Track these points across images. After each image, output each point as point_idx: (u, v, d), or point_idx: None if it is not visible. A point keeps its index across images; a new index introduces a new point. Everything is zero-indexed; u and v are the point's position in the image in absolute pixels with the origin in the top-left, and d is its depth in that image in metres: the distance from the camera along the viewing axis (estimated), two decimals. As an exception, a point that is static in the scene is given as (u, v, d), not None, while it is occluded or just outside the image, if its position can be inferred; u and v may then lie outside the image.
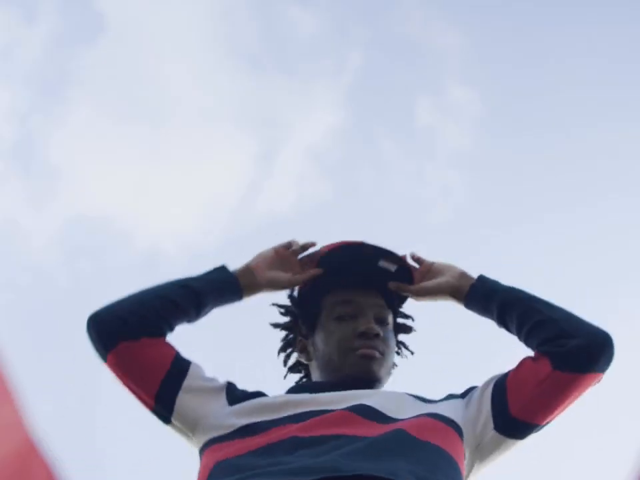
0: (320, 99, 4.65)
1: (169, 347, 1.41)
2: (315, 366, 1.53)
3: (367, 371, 1.46)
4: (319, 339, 1.53)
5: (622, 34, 4.08)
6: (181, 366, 1.39)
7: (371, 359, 1.46)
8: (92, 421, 3.66)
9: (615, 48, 4.16)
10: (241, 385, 1.45)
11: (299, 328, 1.60)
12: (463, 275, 1.52)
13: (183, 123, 4.54)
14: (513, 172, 4.40)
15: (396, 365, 1.60)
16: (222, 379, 1.44)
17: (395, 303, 1.61)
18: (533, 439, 1.39)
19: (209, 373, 1.44)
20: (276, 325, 1.63)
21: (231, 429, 1.31)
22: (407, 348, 1.66)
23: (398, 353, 1.63)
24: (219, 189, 4.65)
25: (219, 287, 1.47)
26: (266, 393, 1.44)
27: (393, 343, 1.54)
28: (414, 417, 1.32)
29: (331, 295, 1.55)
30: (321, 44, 4.56)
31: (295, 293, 1.61)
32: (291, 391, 1.49)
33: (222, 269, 1.50)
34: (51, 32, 4.50)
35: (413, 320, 1.67)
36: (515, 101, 4.40)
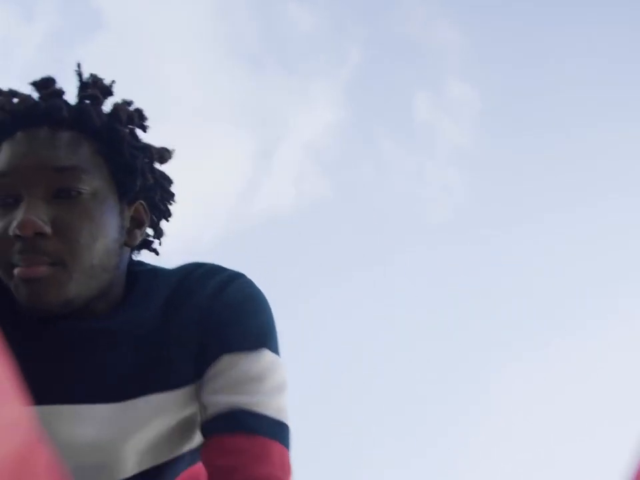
0: (319, 96, 4.64)
1: None
2: None
3: (33, 298, 0.90)
4: None
5: (622, 34, 4.08)
6: None
7: (31, 280, 0.90)
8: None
9: (614, 48, 4.15)
10: None
11: None
12: None
13: (181, 120, 4.53)
14: (513, 171, 4.39)
15: (147, 244, 1.08)
16: None
17: (111, 143, 0.98)
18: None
19: None
20: None
21: None
22: (162, 195, 1.06)
23: (155, 221, 1.07)
24: (217, 187, 4.64)
25: None
26: None
27: (94, 224, 0.93)
28: None
29: None
30: (319, 41, 4.55)
31: None
32: None
33: None
34: (49, 29, 4.49)
35: (150, 150, 1.04)
36: (515, 99, 4.39)
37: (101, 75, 1.04)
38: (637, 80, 4.07)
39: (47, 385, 0.94)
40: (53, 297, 0.91)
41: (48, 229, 0.90)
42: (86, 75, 1.03)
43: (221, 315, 1.01)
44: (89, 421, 0.95)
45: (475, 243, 4.15)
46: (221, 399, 0.96)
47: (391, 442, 3.46)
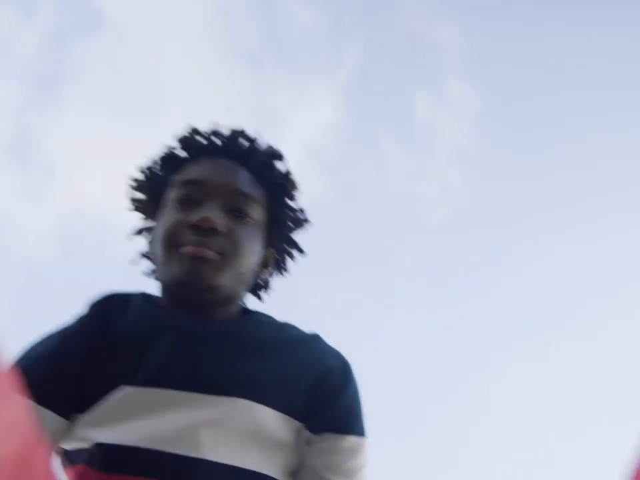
0: (318, 96, 4.63)
1: None
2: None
3: (191, 274, 1.08)
4: (155, 229, 1.20)
5: (622, 34, 4.07)
6: None
7: (197, 258, 1.09)
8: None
9: (614, 48, 4.15)
10: None
11: (147, 210, 1.27)
12: None
13: (180, 118, 4.52)
14: (513, 170, 4.39)
15: (266, 283, 1.27)
16: None
17: (274, 195, 1.24)
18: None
19: None
20: (132, 201, 1.29)
21: None
22: (283, 262, 1.28)
23: (279, 266, 1.29)
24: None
25: None
26: None
27: (251, 242, 1.16)
28: None
29: (183, 170, 1.21)
30: (319, 40, 4.55)
31: (152, 163, 1.27)
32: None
33: None
34: (48, 27, 4.48)
35: (300, 218, 1.29)
36: (515, 98, 4.39)
37: (276, 147, 1.29)
38: (638, 80, 4.07)
39: (172, 371, 1.07)
40: (208, 278, 1.09)
41: (222, 228, 1.12)
42: (265, 141, 1.29)
43: (342, 393, 1.12)
44: (195, 409, 1.05)
45: (474, 243, 4.15)
46: (321, 472, 1.09)
47: (391, 442, 3.45)
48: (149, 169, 1.27)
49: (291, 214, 1.27)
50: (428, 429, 3.76)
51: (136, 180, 1.28)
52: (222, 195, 1.16)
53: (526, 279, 4.05)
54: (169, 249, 1.12)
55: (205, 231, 1.11)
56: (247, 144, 1.27)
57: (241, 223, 1.16)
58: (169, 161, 1.25)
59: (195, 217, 1.12)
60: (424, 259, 4.13)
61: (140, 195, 1.28)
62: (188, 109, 4.56)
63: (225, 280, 1.12)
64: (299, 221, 1.29)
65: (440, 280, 4.13)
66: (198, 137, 1.27)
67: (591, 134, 4.27)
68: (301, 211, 1.30)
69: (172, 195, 1.19)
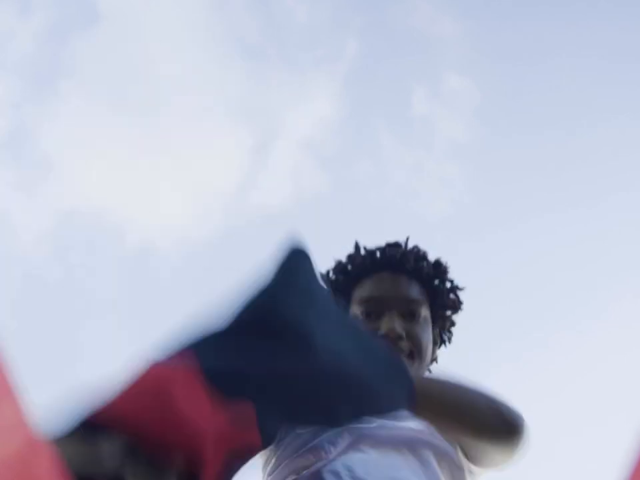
0: (316, 90, 4.61)
1: None
2: None
3: None
4: None
5: (622, 29, 4.05)
6: None
7: None
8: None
9: (614, 43, 4.13)
10: None
11: None
12: None
13: (177, 114, 4.50)
14: (511, 165, 4.37)
15: (436, 358, 1.52)
16: None
17: (432, 288, 1.51)
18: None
19: None
20: None
21: None
22: (447, 338, 1.56)
23: (443, 342, 1.55)
24: (213, 182, 4.61)
25: None
26: None
27: (426, 336, 1.44)
28: None
29: (359, 286, 1.48)
30: (316, 34, 4.52)
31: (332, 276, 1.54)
32: None
33: None
34: (44, 23, 4.45)
35: (457, 305, 1.55)
36: (513, 93, 4.37)
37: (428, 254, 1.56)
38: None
39: None
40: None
41: (404, 334, 1.39)
42: (421, 250, 1.54)
43: None
44: None
45: (473, 238, 4.13)
46: None
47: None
48: (331, 280, 1.53)
49: (449, 297, 1.53)
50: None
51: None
52: (396, 305, 1.43)
53: (525, 274, 4.04)
54: None
55: (393, 339, 1.37)
56: (403, 256, 1.50)
57: (415, 321, 1.43)
58: (347, 277, 1.51)
59: (382, 328, 1.38)
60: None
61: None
62: (185, 104, 4.53)
63: (416, 372, 1.36)
64: (455, 303, 1.55)
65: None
66: (367, 256, 1.52)
67: (589, 129, 4.26)
68: (455, 289, 1.55)
69: (355, 309, 1.46)
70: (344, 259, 1.55)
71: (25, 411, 0.58)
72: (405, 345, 1.38)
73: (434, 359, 1.52)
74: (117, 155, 4.49)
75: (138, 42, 4.55)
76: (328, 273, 1.55)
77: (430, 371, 1.50)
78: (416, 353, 1.40)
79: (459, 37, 4.46)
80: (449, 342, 1.57)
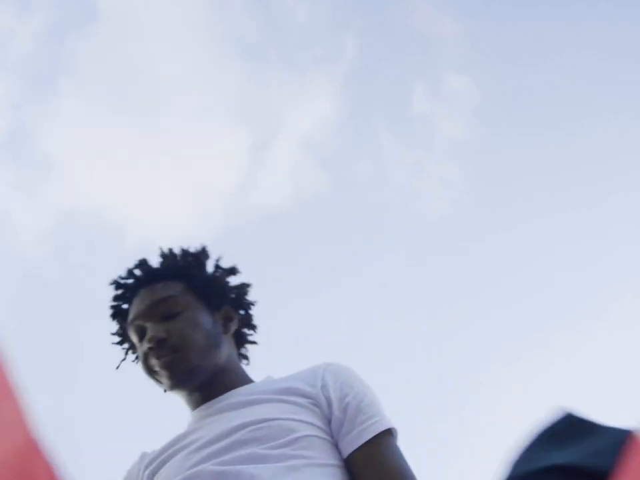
0: (315, 89, 4.60)
1: None
2: None
3: (175, 378, 1.42)
4: None
5: (623, 29, 4.05)
6: None
7: (168, 367, 1.41)
8: (90, 415, 3.63)
9: (615, 43, 4.13)
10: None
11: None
12: None
13: (177, 114, 4.49)
14: (511, 165, 4.36)
15: (236, 331, 1.54)
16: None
17: (186, 277, 1.53)
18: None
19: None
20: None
21: None
22: (243, 305, 1.58)
23: (241, 312, 1.57)
24: (213, 182, 4.60)
25: None
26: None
27: (194, 325, 1.45)
28: None
29: (129, 314, 1.53)
30: (316, 33, 4.51)
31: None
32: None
33: None
34: (44, 22, 4.45)
35: (222, 276, 1.58)
36: (514, 92, 4.37)
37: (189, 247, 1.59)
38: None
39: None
40: (181, 369, 1.40)
41: (164, 334, 1.42)
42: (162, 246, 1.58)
43: None
44: None
45: (473, 238, 4.13)
46: None
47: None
48: (115, 321, 1.58)
49: (211, 279, 1.56)
50: (428, 428, 3.74)
51: (112, 331, 1.59)
52: (151, 314, 1.46)
53: (525, 273, 4.04)
54: (153, 377, 1.45)
55: (157, 345, 1.41)
56: (150, 264, 1.55)
57: (176, 319, 1.45)
58: (118, 314, 1.56)
59: (146, 344, 1.43)
60: (422, 253, 4.11)
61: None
62: (185, 102, 4.53)
63: (195, 360, 1.42)
64: (221, 277, 1.57)
65: (438, 275, 4.12)
66: (119, 288, 1.56)
67: (589, 129, 4.25)
68: (218, 268, 1.57)
69: (131, 334, 1.50)
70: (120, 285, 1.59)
71: (25, 410, 0.58)
72: (168, 344, 1.42)
73: (238, 334, 1.55)
74: (116, 155, 4.49)
75: (138, 41, 4.55)
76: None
77: (243, 351, 1.57)
78: (181, 345, 1.41)
79: (459, 37, 4.45)
80: (248, 309, 1.59)
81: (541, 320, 3.96)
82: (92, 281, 4.21)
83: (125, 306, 1.56)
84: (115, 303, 1.57)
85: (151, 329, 1.44)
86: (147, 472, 1.39)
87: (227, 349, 1.50)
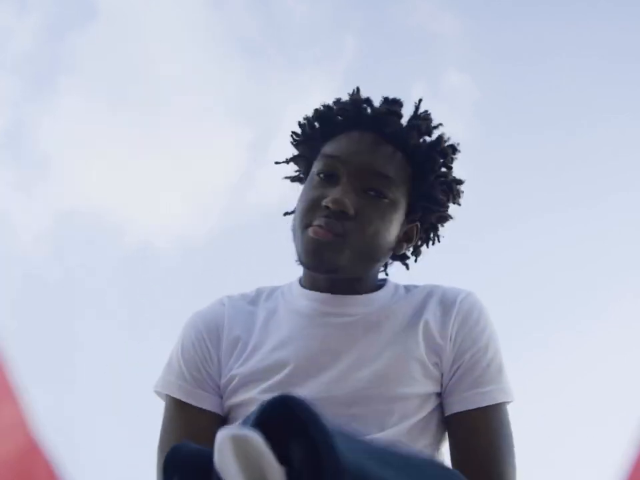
0: (315, 87, 4.60)
1: None
2: None
3: (312, 256, 1.16)
4: (298, 200, 1.25)
5: (624, 28, 4.04)
6: None
7: (316, 242, 1.15)
8: (90, 415, 3.63)
9: (616, 42, 4.12)
10: None
11: (300, 169, 1.34)
12: None
13: (176, 113, 4.49)
14: (511, 164, 4.36)
15: (401, 254, 1.30)
16: None
17: (420, 169, 1.23)
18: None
19: None
20: (287, 161, 1.34)
21: None
22: (432, 236, 1.31)
23: (424, 240, 1.31)
24: (212, 181, 4.60)
25: None
26: None
27: (385, 224, 1.18)
28: None
29: (331, 141, 1.24)
30: (315, 31, 4.51)
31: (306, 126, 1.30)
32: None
33: None
34: (43, 21, 4.44)
35: (446, 202, 1.28)
36: (514, 91, 4.36)
37: (430, 113, 1.28)
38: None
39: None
40: (327, 260, 1.14)
41: (352, 211, 1.14)
42: (421, 109, 1.28)
43: None
44: None
45: (473, 238, 4.12)
46: None
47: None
48: (306, 128, 1.29)
49: (439, 185, 1.26)
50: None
51: (294, 135, 1.32)
52: (359, 175, 1.17)
53: (525, 275, 4.04)
54: (300, 227, 1.19)
55: (335, 212, 1.14)
56: (397, 120, 1.24)
57: (375, 203, 1.17)
58: (322, 126, 1.27)
59: (329, 196, 1.15)
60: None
61: (295, 151, 1.33)
62: (184, 101, 4.53)
63: (345, 261, 1.16)
64: (444, 201, 1.27)
65: (439, 275, 4.10)
66: (351, 108, 1.26)
67: (590, 129, 4.25)
68: (452, 182, 1.27)
69: (315, 166, 1.23)
70: (327, 106, 1.30)
71: (25, 410, 0.57)
72: (344, 223, 1.15)
73: (401, 256, 1.33)
74: (116, 155, 4.48)
75: (138, 41, 4.54)
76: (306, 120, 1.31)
77: (385, 272, 1.33)
78: (354, 236, 1.16)
79: (459, 36, 4.45)
80: (434, 241, 1.34)
81: (541, 320, 3.96)
82: (92, 280, 4.21)
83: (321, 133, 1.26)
84: (333, 113, 1.26)
85: (346, 191, 1.15)
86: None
87: (379, 266, 1.28)
